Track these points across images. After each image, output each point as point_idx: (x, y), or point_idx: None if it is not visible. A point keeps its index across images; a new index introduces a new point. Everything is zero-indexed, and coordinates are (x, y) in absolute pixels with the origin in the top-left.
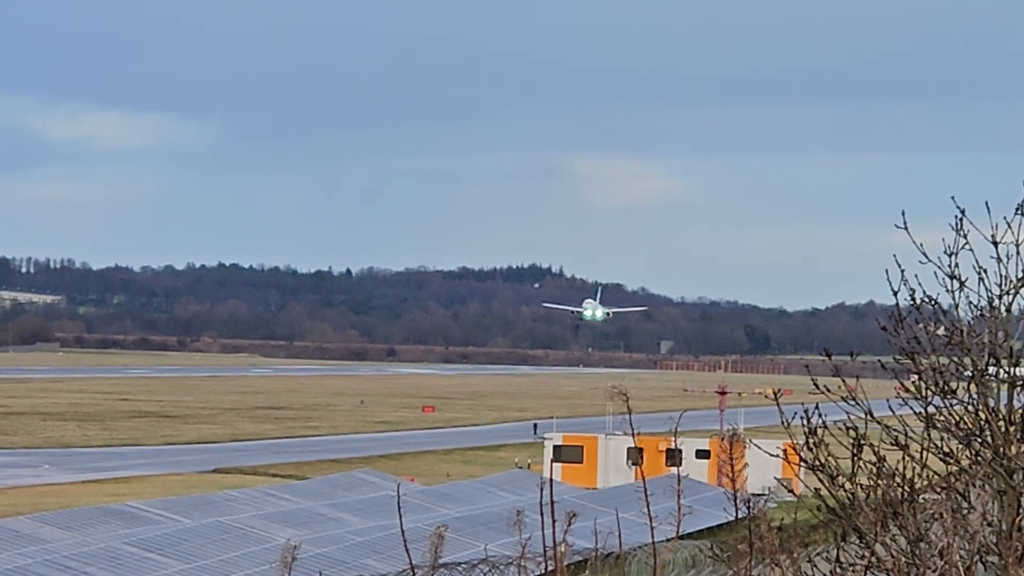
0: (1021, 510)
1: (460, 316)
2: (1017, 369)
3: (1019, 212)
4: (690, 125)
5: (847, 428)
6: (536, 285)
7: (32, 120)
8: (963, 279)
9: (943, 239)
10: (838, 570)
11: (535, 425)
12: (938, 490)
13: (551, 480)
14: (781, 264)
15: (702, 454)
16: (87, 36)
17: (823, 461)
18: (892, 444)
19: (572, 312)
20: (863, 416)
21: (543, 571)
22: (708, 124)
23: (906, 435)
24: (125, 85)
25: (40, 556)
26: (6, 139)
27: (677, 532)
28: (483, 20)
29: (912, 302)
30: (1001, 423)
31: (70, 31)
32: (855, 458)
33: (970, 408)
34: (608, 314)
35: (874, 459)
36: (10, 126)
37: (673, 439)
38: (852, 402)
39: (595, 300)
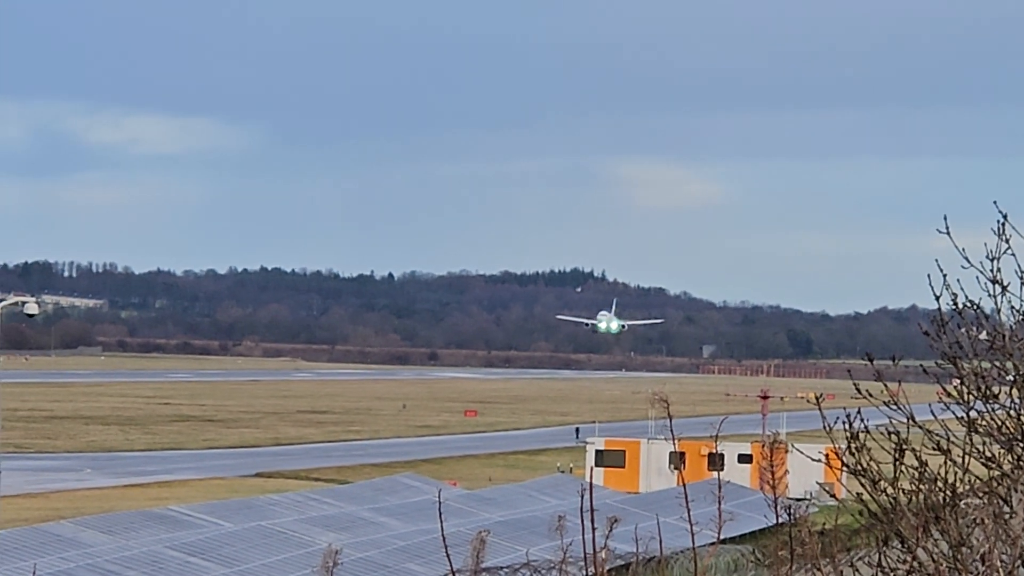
0: None
1: (502, 320)
2: None
3: None
4: (734, 129)
5: (889, 433)
6: (578, 289)
7: (75, 124)
8: (1005, 284)
9: (985, 243)
10: (880, 575)
11: (577, 429)
12: (980, 495)
13: (591, 484)
14: (823, 268)
15: (744, 458)
16: (129, 41)
17: (865, 466)
18: (934, 449)
19: (586, 324)
20: (905, 421)
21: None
22: (752, 128)
23: (948, 440)
24: (168, 90)
25: (82, 560)
26: (49, 143)
27: (718, 537)
28: (527, 24)
29: (954, 306)
30: None
31: (112, 36)
32: (897, 463)
33: (1012, 413)
34: (623, 327)
35: (916, 464)
36: (53, 130)
37: (715, 443)
38: (894, 406)
39: (610, 312)
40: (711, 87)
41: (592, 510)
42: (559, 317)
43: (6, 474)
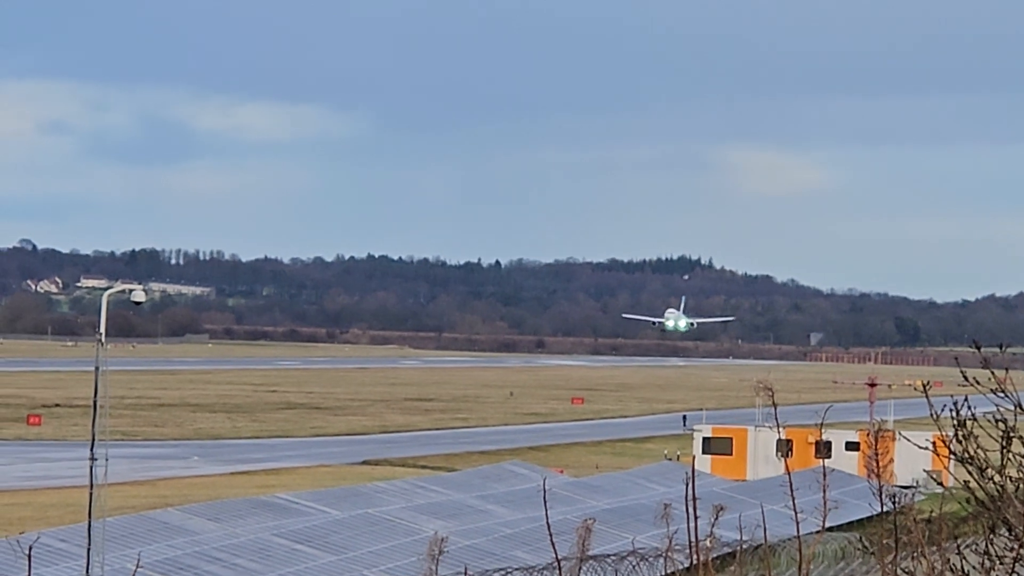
0: None
1: (609, 308)
2: None
3: None
4: (842, 115)
5: (996, 420)
6: (685, 277)
7: (182, 112)
8: None
9: None
10: (987, 562)
11: (684, 417)
12: None
13: (692, 471)
14: (931, 255)
15: (851, 446)
16: (237, 28)
17: (972, 453)
18: None
19: (654, 323)
20: (1013, 408)
21: (691, 563)
22: (860, 114)
23: None
24: (276, 77)
25: (190, 548)
26: (156, 131)
27: (823, 525)
28: (636, 8)
29: None
30: None
31: (220, 23)
32: (1004, 451)
33: None
34: (692, 324)
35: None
36: (160, 118)
37: (820, 430)
38: (1001, 394)
39: (678, 310)
40: (819, 73)
41: (694, 498)
42: (625, 316)
43: (114, 461)
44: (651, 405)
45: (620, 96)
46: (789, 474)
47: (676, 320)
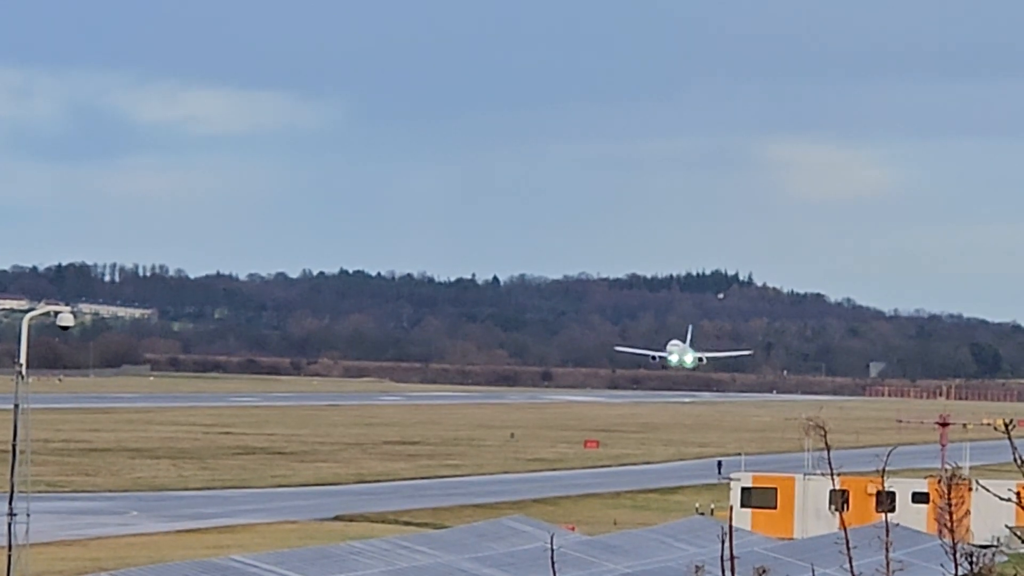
0: None
1: (629, 332)
2: None
3: None
4: (905, 103)
5: None
6: (720, 295)
7: (120, 100)
8: None
9: None
10: None
11: (719, 463)
12: None
13: (730, 527)
14: (1015, 269)
15: (919, 497)
16: (185, 3)
17: None
18: None
19: (653, 358)
20: None
21: None
22: (928, 102)
23: None
24: (230, 59)
25: None
26: (90, 123)
27: None
28: None
29: None
30: None
31: None
32: None
33: None
34: (701, 360)
35: None
36: (94, 107)
37: (882, 479)
38: None
39: (684, 343)
40: (878, 54)
41: (732, 558)
42: (618, 349)
43: (37, 517)
44: (680, 449)
45: (643, 81)
46: (846, 530)
47: (681, 354)
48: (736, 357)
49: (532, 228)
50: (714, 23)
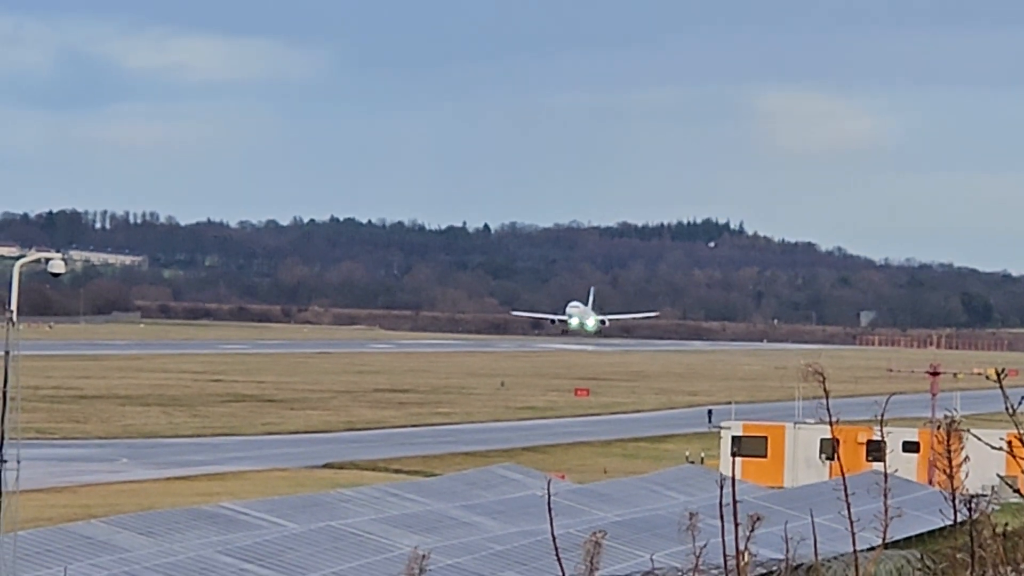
0: None
1: (619, 281)
2: None
3: None
4: (899, 52)
5: None
6: (711, 244)
7: (110, 48)
8: None
9: None
10: None
11: (710, 412)
12: None
13: (732, 478)
14: (1005, 219)
15: (910, 447)
16: None
17: None
18: None
19: (552, 321)
20: None
21: None
22: (920, 51)
23: None
24: (220, 6)
25: (117, 567)
26: (79, 70)
27: (883, 539)
28: None
29: None
30: None
31: None
32: None
33: None
34: (603, 322)
35: None
36: (84, 55)
37: (880, 428)
38: None
39: (585, 304)
40: (869, 1)
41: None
42: (514, 313)
43: (28, 464)
44: (670, 397)
45: (635, 29)
46: (844, 477)
47: (582, 317)
48: (642, 319)
49: (523, 176)
50: None
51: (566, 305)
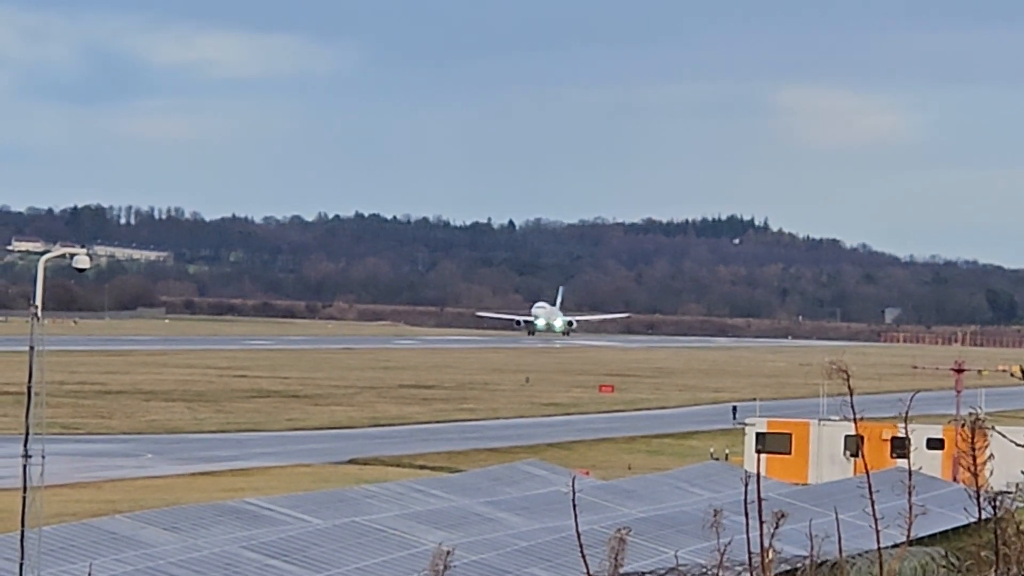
0: None
1: (644, 277)
2: None
3: None
4: (924, 49)
5: None
6: (736, 241)
7: (135, 43)
8: None
9: None
10: None
11: (734, 408)
12: None
13: (757, 474)
14: None
15: (934, 444)
16: None
17: None
18: None
19: (518, 323)
20: None
21: None
22: (945, 48)
23: None
24: (245, 2)
25: (142, 562)
26: (105, 65)
27: (908, 536)
28: None
29: None
30: None
31: None
32: None
33: None
34: (571, 324)
35: None
36: (110, 50)
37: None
38: None
39: (553, 305)
40: None
41: (760, 499)
42: (479, 314)
43: (52, 459)
44: (695, 394)
45: (659, 24)
46: (868, 474)
47: (548, 318)
48: (609, 320)
49: (548, 172)
50: None
51: (531, 306)
